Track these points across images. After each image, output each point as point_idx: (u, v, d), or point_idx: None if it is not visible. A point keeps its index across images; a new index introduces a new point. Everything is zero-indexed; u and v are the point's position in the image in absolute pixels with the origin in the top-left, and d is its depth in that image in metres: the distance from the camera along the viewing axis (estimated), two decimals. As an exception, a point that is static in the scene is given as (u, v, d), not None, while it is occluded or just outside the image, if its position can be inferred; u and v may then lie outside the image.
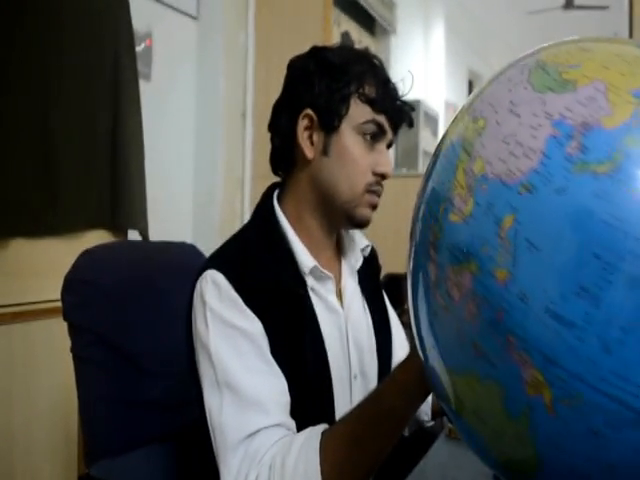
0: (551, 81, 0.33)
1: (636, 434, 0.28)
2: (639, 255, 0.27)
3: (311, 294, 0.70)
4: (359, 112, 0.70)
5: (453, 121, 0.40)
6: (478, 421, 0.35)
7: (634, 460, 0.29)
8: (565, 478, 0.31)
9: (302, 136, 0.71)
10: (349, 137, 0.70)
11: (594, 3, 1.48)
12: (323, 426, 0.58)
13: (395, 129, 0.74)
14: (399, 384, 0.54)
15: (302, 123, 0.71)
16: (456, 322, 0.33)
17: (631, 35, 1.37)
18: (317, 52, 0.73)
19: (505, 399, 0.31)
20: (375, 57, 0.74)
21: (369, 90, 0.70)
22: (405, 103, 0.73)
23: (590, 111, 0.30)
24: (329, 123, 0.69)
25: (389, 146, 0.75)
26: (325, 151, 0.70)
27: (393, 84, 0.73)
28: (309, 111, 0.70)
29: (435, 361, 0.37)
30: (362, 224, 0.73)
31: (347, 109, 0.69)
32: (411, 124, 0.76)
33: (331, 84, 0.69)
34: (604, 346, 0.27)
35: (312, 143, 0.71)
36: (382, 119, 0.70)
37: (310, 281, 0.70)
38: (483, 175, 0.32)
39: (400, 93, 0.73)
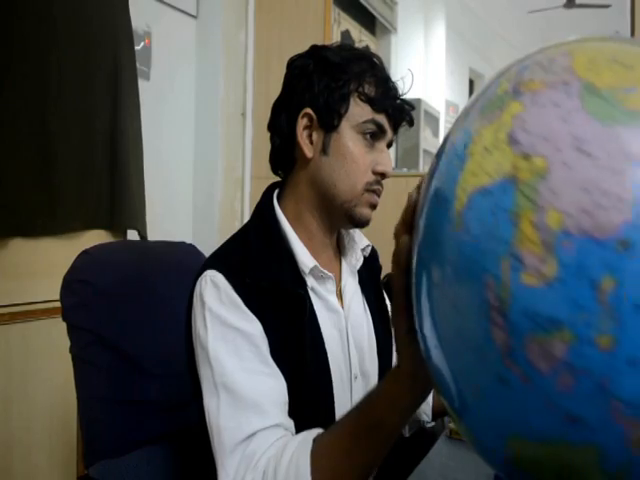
0: (614, 111, 0.29)
1: None
2: None
3: (311, 294, 0.70)
4: (359, 111, 0.69)
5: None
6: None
7: None
8: None
9: (301, 135, 0.70)
10: (349, 136, 0.69)
11: (595, 2, 1.48)
12: (317, 431, 0.57)
13: (395, 128, 0.73)
14: (388, 397, 0.52)
15: (302, 122, 0.71)
16: (543, 394, 0.30)
17: (633, 34, 1.37)
18: (317, 51, 0.73)
19: (603, 458, 0.29)
20: (375, 56, 0.74)
21: (369, 89, 0.70)
22: (405, 102, 0.73)
23: None
24: (328, 122, 0.69)
25: (389, 145, 0.74)
26: (324, 150, 0.70)
27: (393, 83, 0.72)
28: (309, 110, 0.70)
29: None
30: (362, 223, 0.73)
31: (347, 108, 0.69)
32: (411, 123, 0.75)
33: (330, 83, 0.69)
34: None
35: (311, 142, 0.71)
36: (382, 118, 0.70)
37: (310, 281, 0.70)
38: (564, 231, 0.28)
39: (400, 92, 0.73)
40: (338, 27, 2.56)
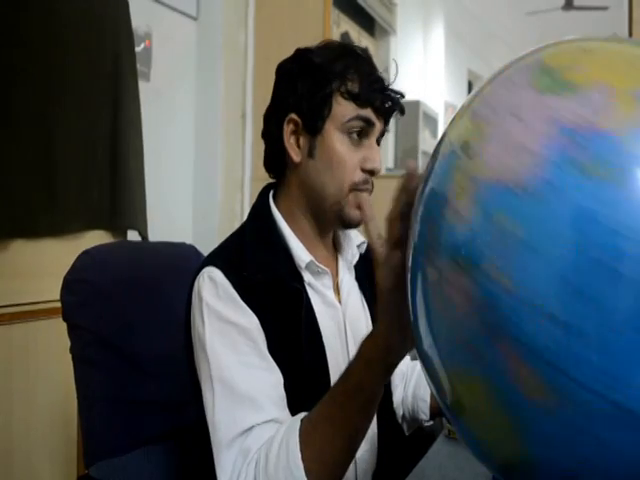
0: (553, 83, 0.32)
1: (628, 436, 0.28)
2: (638, 259, 0.27)
3: (308, 289, 0.70)
4: (342, 110, 0.69)
5: (452, 121, 0.39)
6: (476, 421, 0.35)
7: (629, 463, 0.29)
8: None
9: (288, 140, 0.71)
10: (334, 137, 0.69)
11: (593, 4, 1.48)
12: (303, 414, 0.58)
13: (385, 119, 0.72)
14: (364, 361, 0.54)
15: (288, 128, 0.71)
16: (454, 323, 0.33)
17: (630, 35, 1.38)
18: (301, 54, 0.73)
19: (501, 399, 0.31)
20: (361, 49, 0.73)
21: (352, 86, 0.69)
22: (393, 91, 0.72)
23: (593, 114, 0.29)
24: (313, 126, 0.69)
25: (381, 136, 0.74)
26: (311, 154, 0.70)
27: (378, 75, 0.71)
28: (293, 116, 0.70)
29: (435, 362, 0.37)
30: (352, 225, 0.73)
31: (329, 109, 0.69)
32: (402, 111, 0.74)
33: (313, 86, 0.69)
34: (598, 347, 0.27)
35: (299, 146, 0.71)
36: (368, 112, 0.70)
37: (307, 276, 0.71)
38: (474, 175, 0.32)
39: (386, 83, 0.72)
40: (338, 29, 2.56)
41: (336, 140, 0.69)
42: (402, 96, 0.73)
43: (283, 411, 0.62)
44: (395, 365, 0.54)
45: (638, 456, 0.28)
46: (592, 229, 0.28)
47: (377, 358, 0.53)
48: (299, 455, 0.53)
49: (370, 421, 0.57)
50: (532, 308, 0.29)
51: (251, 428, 0.58)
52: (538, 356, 0.29)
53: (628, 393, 0.27)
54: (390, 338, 0.51)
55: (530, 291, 0.29)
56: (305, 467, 0.53)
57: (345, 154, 0.69)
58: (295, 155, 0.71)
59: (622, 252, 0.27)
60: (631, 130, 0.28)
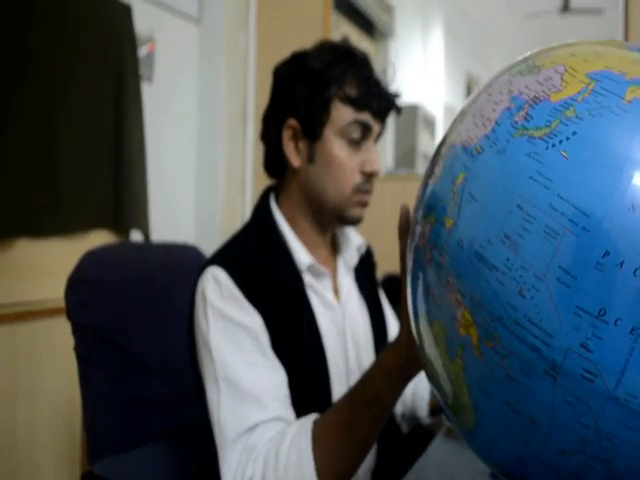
0: (524, 68, 0.36)
1: (545, 385, 0.28)
2: (557, 209, 0.28)
3: (308, 291, 0.71)
4: (341, 115, 0.70)
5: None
6: (433, 372, 0.37)
7: (548, 414, 0.28)
8: (495, 427, 0.32)
9: (288, 146, 0.72)
10: (333, 142, 0.70)
11: (590, 6, 1.50)
12: (314, 415, 0.59)
13: (382, 121, 0.73)
14: (384, 369, 0.55)
15: (287, 133, 0.72)
16: (421, 270, 0.36)
17: (626, 38, 1.39)
18: (298, 58, 0.73)
19: (445, 339, 0.33)
20: (357, 51, 0.73)
21: (350, 90, 0.69)
22: (389, 93, 0.72)
23: (544, 88, 0.32)
24: (312, 132, 0.70)
25: (378, 137, 0.74)
26: (311, 159, 0.71)
27: (375, 77, 0.72)
28: (292, 121, 0.71)
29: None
30: (353, 222, 0.74)
31: (328, 115, 0.69)
32: (398, 111, 0.75)
33: (311, 91, 0.69)
34: (519, 291, 0.29)
35: (298, 151, 0.72)
36: (366, 116, 0.70)
37: (307, 278, 0.71)
38: (453, 144, 0.36)
39: (383, 84, 0.72)
40: (337, 31, 2.58)
41: (335, 145, 0.70)
42: (397, 96, 0.74)
43: (287, 409, 0.62)
44: (413, 376, 0.55)
45: (550, 400, 0.28)
46: (518, 179, 0.30)
47: (397, 367, 0.54)
48: (311, 456, 0.54)
49: (382, 427, 0.57)
50: (467, 249, 0.32)
51: (256, 425, 0.59)
52: (470, 294, 0.31)
53: (546, 340, 0.28)
54: (412, 348, 0.51)
55: (466, 233, 0.32)
56: (316, 468, 0.54)
57: (345, 159, 0.70)
58: (294, 160, 0.72)
59: (541, 201, 0.29)
60: (570, 100, 0.31)
